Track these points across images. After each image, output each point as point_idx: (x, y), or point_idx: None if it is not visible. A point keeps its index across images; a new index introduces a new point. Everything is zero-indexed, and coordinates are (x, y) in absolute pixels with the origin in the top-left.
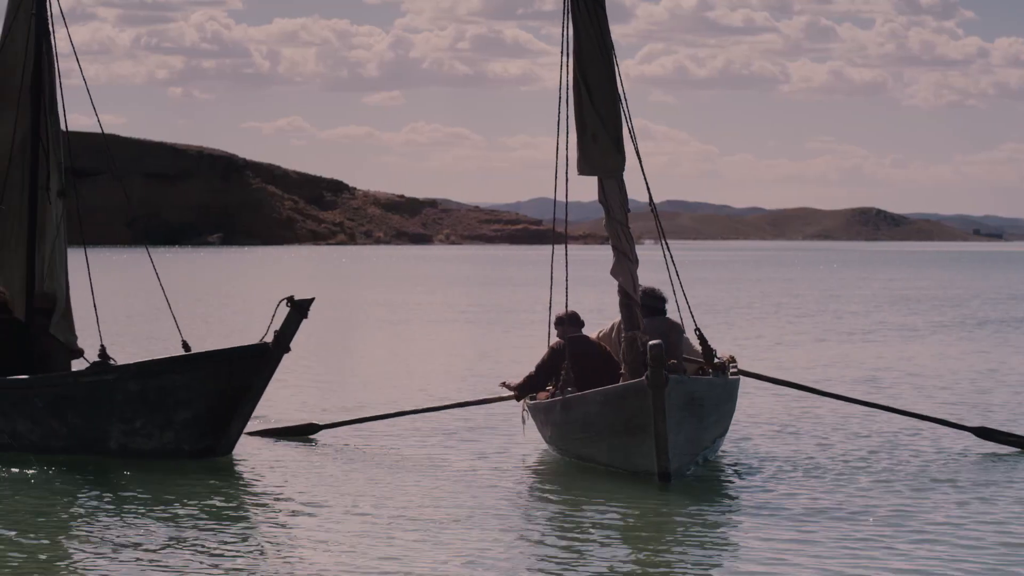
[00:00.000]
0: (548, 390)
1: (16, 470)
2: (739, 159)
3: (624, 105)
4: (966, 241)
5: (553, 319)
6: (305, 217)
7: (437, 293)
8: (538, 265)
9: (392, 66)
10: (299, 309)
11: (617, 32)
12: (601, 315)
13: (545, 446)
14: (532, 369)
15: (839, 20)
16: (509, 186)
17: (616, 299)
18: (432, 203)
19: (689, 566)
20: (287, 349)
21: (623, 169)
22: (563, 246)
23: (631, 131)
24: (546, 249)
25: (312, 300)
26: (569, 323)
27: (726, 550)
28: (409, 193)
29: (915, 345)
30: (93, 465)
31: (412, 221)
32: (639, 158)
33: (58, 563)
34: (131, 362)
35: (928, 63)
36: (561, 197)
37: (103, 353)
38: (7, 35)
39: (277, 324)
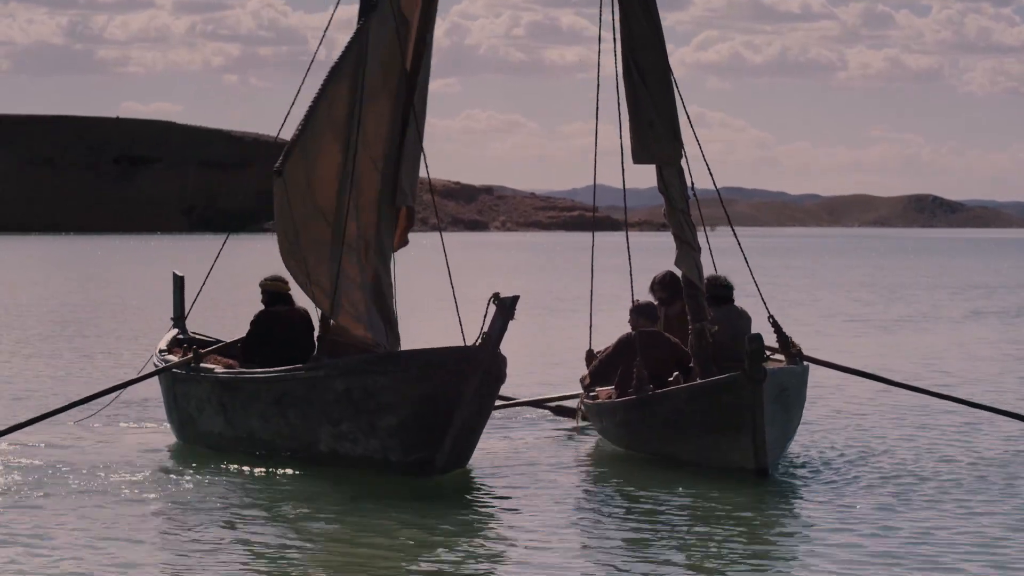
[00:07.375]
0: (608, 389)
1: (253, 469)
2: (796, 147)
3: (677, 91)
4: (1023, 228)
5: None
6: None
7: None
8: (579, 252)
9: (448, 53)
10: (502, 309)
11: (673, 19)
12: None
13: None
14: (597, 362)
15: (896, 7)
16: (565, 173)
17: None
18: (488, 190)
19: (794, 560)
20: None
21: (681, 156)
22: (623, 233)
23: (688, 117)
24: (600, 236)
25: (517, 298)
26: (641, 315)
27: (827, 546)
28: (465, 180)
29: (980, 332)
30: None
31: (468, 208)
32: (699, 145)
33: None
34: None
35: (984, 50)
36: (607, 183)
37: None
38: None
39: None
